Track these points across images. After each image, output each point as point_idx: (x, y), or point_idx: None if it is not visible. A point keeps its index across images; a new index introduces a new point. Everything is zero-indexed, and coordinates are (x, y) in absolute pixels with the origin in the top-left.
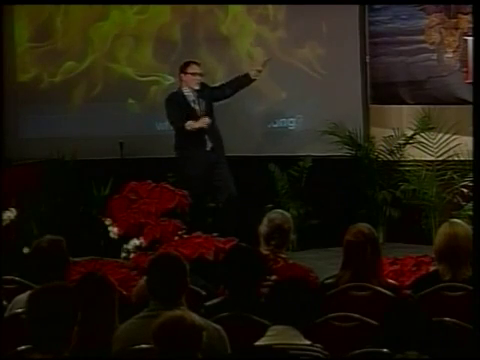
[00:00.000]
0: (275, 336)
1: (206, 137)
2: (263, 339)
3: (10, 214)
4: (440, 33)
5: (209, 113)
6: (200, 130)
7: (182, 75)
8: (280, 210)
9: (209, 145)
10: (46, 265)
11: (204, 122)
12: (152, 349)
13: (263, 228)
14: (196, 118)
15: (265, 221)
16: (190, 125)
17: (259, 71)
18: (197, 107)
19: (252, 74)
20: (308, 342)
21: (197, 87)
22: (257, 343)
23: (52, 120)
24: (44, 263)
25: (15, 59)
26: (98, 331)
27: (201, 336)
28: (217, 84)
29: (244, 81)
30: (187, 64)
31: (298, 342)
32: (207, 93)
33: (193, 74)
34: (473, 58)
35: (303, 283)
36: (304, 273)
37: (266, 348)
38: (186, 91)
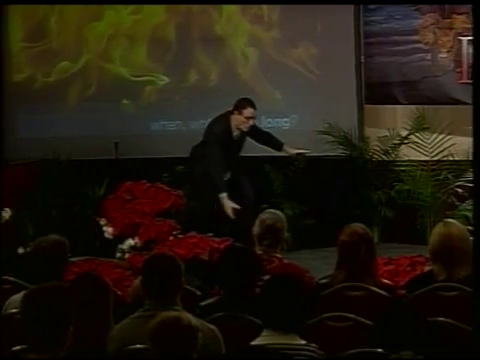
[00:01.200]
0: (270, 336)
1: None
2: (258, 339)
3: (5, 214)
4: (434, 33)
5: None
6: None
7: (236, 113)
8: (272, 210)
9: (228, 176)
10: (46, 265)
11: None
12: (147, 349)
13: (255, 229)
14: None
15: (257, 222)
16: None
17: (292, 154)
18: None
19: (286, 149)
20: (303, 342)
21: (247, 130)
22: (252, 343)
23: (47, 120)
24: (44, 263)
25: (9, 59)
26: (93, 331)
27: (197, 337)
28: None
29: (274, 145)
30: (243, 104)
31: (293, 342)
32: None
33: (247, 118)
34: (473, 58)
35: (295, 279)
36: (299, 273)
37: (261, 348)
38: (234, 131)
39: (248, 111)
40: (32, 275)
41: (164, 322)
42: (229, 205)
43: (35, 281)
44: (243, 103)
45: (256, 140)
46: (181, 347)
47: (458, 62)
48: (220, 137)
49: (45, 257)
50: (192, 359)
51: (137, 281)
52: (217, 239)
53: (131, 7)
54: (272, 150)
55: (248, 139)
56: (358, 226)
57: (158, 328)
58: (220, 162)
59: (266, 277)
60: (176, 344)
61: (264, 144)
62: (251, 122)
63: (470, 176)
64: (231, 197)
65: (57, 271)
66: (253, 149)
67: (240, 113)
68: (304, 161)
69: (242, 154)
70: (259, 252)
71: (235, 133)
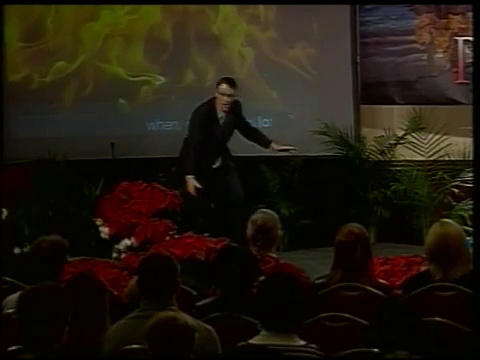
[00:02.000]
0: (268, 337)
1: (216, 155)
2: (256, 339)
3: (1, 214)
4: (430, 33)
5: (229, 133)
6: (212, 147)
7: (216, 92)
8: (264, 210)
9: (217, 163)
10: (45, 266)
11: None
12: (144, 349)
13: (248, 231)
14: (216, 137)
15: (249, 224)
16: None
17: (279, 150)
18: (222, 124)
19: (273, 146)
20: (303, 342)
21: (225, 109)
22: (251, 342)
23: (43, 120)
24: (43, 263)
25: (6, 59)
26: (89, 331)
27: (194, 337)
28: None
29: (262, 143)
30: (220, 82)
31: (293, 343)
32: (236, 114)
33: (222, 94)
34: (473, 58)
35: (291, 279)
36: (295, 273)
37: (259, 348)
38: (219, 113)
39: (222, 88)
40: (30, 275)
41: (160, 323)
42: (192, 183)
43: (33, 281)
44: (220, 81)
45: (244, 134)
46: (178, 347)
47: (454, 62)
48: (201, 118)
49: (44, 257)
50: (189, 359)
51: (133, 281)
52: (213, 239)
53: (127, 7)
54: (269, 150)
55: (245, 140)
56: (354, 226)
57: (154, 329)
58: (196, 144)
59: (262, 277)
60: (172, 345)
61: (252, 140)
62: (226, 98)
63: (466, 176)
64: (218, 193)
65: (55, 272)
66: (249, 149)
67: (217, 91)
68: (300, 161)
69: (237, 154)
70: (253, 252)
71: (220, 115)
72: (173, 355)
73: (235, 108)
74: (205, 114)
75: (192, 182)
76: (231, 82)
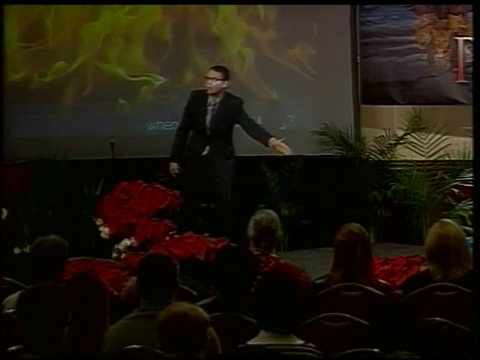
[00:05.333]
0: (267, 337)
1: (205, 143)
2: (255, 339)
3: (1, 214)
4: (431, 33)
5: (221, 123)
6: (201, 134)
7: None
8: (265, 210)
9: (205, 151)
10: (45, 266)
11: (173, 170)
12: (143, 349)
13: (250, 231)
14: (204, 124)
15: (251, 224)
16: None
17: (274, 145)
18: (211, 112)
19: (271, 142)
20: (301, 342)
21: (210, 92)
22: (249, 343)
23: (43, 120)
24: (44, 264)
25: (5, 59)
26: (89, 331)
27: (206, 331)
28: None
29: (262, 140)
30: (209, 68)
31: (291, 342)
32: (231, 107)
33: (206, 78)
34: (473, 58)
35: (291, 279)
36: (295, 273)
37: (258, 348)
38: (209, 97)
39: (209, 72)
40: (30, 275)
41: (173, 315)
42: (173, 167)
43: (33, 281)
44: (209, 68)
45: (245, 130)
46: (190, 341)
47: (454, 62)
48: (189, 103)
49: (45, 257)
50: (200, 354)
51: (131, 281)
52: (213, 239)
53: (127, 7)
54: (269, 150)
55: (245, 140)
56: (354, 226)
57: (167, 321)
58: (179, 128)
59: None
60: (184, 335)
61: (253, 137)
62: (209, 82)
63: (466, 176)
64: (206, 184)
65: (55, 272)
66: (249, 149)
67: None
68: (300, 161)
69: (237, 154)
70: (256, 253)
71: (209, 101)
72: (185, 347)
73: (234, 102)
74: (194, 99)
75: (172, 166)
76: (216, 67)
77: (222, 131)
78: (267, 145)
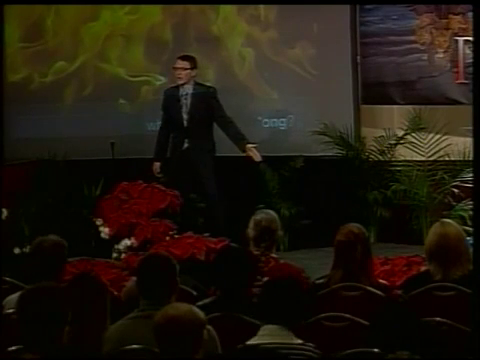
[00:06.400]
0: (266, 335)
1: (184, 137)
2: (254, 338)
3: (1, 214)
4: (431, 33)
5: (195, 113)
6: (179, 129)
7: None
8: (265, 210)
9: (185, 145)
10: (45, 266)
11: (156, 170)
12: (143, 349)
13: (251, 231)
14: (180, 116)
15: (251, 224)
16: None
17: (249, 154)
18: (184, 103)
19: (246, 147)
20: (300, 341)
21: (180, 82)
22: (248, 342)
23: (43, 120)
24: (43, 264)
25: (5, 59)
26: (89, 331)
27: (203, 330)
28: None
29: (236, 142)
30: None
31: (289, 341)
32: (202, 95)
33: (174, 69)
34: (473, 58)
35: (294, 282)
36: (295, 273)
37: (257, 348)
38: (180, 88)
39: (176, 62)
40: (30, 275)
41: (170, 315)
42: (155, 167)
43: (33, 281)
44: (176, 57)
45: (219, 127)
46: (186, 342)
47: (454, 62)
48: (165, 100)
49: (44, 257)
50: (197, 355)
51: (131, 281)
52: (213, 239)
53: (128, 7)
54: (269, 150)
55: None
56: (354, 226)
57: (163, 322)
58: (162, 131)
59: (262, 277)
60: (180, 337)
61: (228, 136)
62: (178, 72)
63: (466, 176)
64: (190, 178)
65: (55, 272)
66: None
67: None
68: (300, 161)
69: (237, 154)
70: (256, 253)
71: (181, 92)
72: (181, 350)
73: (205, 90)
74: (167, 96)
75: (155, 165)
76: (183, 56)
77: (198, 121)
78: (244, 151)
